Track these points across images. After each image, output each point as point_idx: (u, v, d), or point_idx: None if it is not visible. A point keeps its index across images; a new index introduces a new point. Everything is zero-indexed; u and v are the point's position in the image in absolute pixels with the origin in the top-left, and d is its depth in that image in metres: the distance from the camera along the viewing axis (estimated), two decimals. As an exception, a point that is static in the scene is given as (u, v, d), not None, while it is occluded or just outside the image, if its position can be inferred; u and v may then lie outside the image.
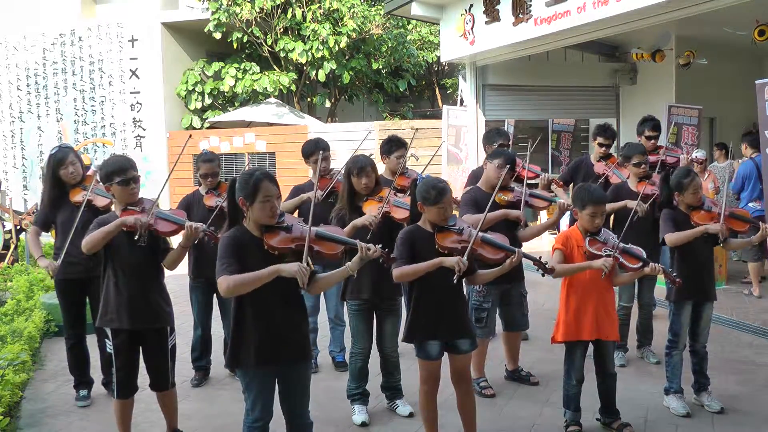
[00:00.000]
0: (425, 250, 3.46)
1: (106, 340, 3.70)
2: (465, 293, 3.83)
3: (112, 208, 4.27)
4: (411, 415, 4.26)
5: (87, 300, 4.70)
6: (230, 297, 3.00)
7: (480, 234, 3.44)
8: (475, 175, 5.59)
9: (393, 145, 5.04)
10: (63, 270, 4.54)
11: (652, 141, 5.89)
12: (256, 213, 3.00)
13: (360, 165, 4.24)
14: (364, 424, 4.19)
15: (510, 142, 5.56)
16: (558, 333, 3.98)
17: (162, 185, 4.15)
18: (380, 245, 3.19)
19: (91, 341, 4.74)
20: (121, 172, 3.68)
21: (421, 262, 3.43)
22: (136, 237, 3.56)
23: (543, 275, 3.60)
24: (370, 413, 4.30)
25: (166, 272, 3.83)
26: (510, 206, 4.50)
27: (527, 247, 4.26)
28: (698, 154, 7.90)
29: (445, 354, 3.61)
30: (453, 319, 3.50)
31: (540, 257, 3.53)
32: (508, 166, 4.46)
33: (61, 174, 4.56)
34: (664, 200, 4.39)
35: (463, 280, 3.50)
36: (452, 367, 3.63)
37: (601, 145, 5.95)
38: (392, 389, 4.40)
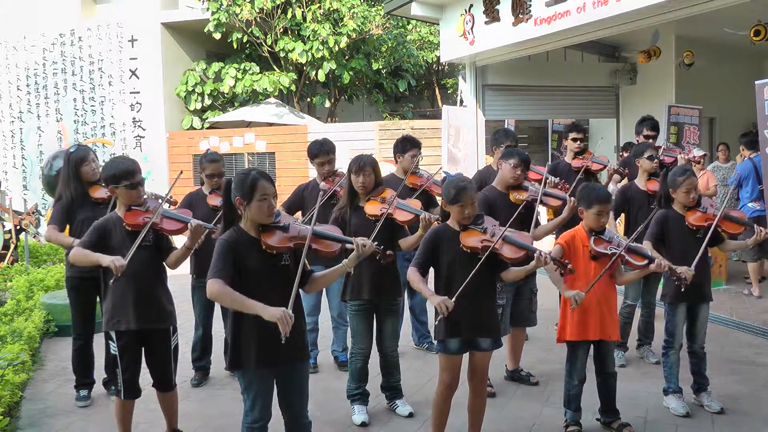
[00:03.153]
0: (450, 249, 3.48)
1: (110, 342, 3.70)
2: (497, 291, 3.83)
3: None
4: (411, 415, 4.27)
5: (98, 300, 4.67)
6: (211, 299, 3.02)
7: (504, 233, 3.45)
8: (480, 176, 5.59)
9: (408, 144, 5.12)
10: (77, 267, 4.48)
11: (651, 141, 5.90)
12: (253, 212, 3.01)
13: (359, 164, 4.26)
14: (363, 424, 4.19)
15: (517, 143, 5.57)
16: (565, 332, 3.98)
17: (166, 186, 4.15)
18: (376, 242, 3.21)
19: (98, 340, 4.71)
20: (128, 176, 3.70)
21: (444, 259, 3.49)
22: (137, 241, 3.57)
23: (562, 274, 3.61)
24: (370, 413, 4.30)
25: (168, 272, 3.84)
26: (525, 205, 4.51)
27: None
28: (696, 152, 7.91)
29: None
30: (477, 316, 3.49)
31: (563, 258, 3.54)
32: (522, 165, 4.50)
33: (83, 171, 4.59)
34: (662, 198, 4.40)
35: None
36: (471, 363, 3.63)
37: (575, 140, 5.97)
38: (392, 389, 4.40)
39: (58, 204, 4.62)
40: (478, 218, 3.53)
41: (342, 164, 5.21)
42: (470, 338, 3.54)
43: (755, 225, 4.30)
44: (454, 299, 3.34)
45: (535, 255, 3.40)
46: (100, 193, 4.56)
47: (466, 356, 3.61)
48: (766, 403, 4.47)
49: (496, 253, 3.43)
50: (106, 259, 3.50)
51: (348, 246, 3.23)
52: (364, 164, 4.26)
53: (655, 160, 5.20)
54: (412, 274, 3.49)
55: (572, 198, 4.41)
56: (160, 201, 3.81)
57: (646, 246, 4.19)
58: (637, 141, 6.02)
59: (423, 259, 3.53)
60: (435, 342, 3.66)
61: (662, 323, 4.43)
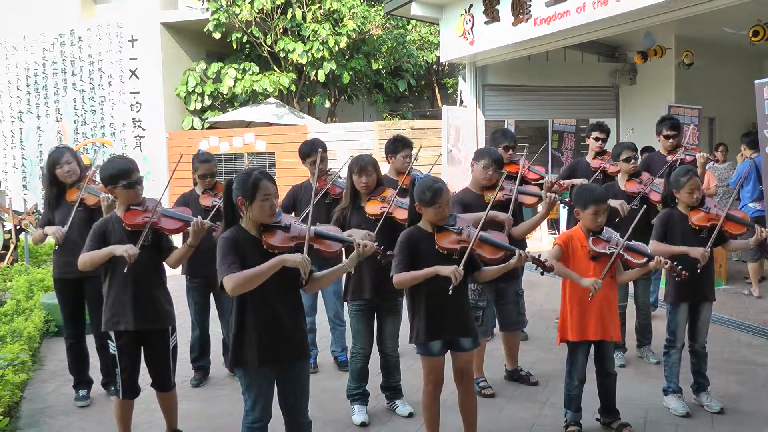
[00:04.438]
0: (425, 251, 3.46)
1: (109, 342, 3.70)
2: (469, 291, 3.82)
3: (102, 205, 4.29)
4: (411, 415, 4.26)
5: (84, 300, 4.69)
6: (235, 295, 2.98)
7: (479, 234, 3.44)
8: None
9: (399, 145, 5.07)
10: (60, 269, 4.59)
11: (671, 140, 5.88)
12: (255, 212, 3.01)
13: (361, 164, 4.26)
14: (363, 424, 4.19)
15: (516, 143, 5.57)
16: (565, 333, 3.98)
17: (164, 186, 4.14)
18: (377, 243, 3.20)
19: (90, 342, 4.74)
20: (126, 176, 3.68)
21: (421, 262, 3.44)
22: (142, 238, 3.57)
23: (542, 273, 3.61)
24: (370, 413, 4.30)
25: (167, 272, 3.84)
26: (500, 205, 4.49)
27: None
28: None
29: (447, 352, 3.61)
30: (455, 317, 3.50)
31: (539, 255, 3.53)
32: (494, 165, 4.49)
33: (57, 173, 4.60)
34: (667, 197, 4.40)
35: (467, 278, 3.50)
36: (455, 365, 3.63)
37: (597, 139, 5.97)
38: (392, 389, 4.40)
39: (44, 207, 4.70)
40: (450, 219, 3.52)
41: (341, 165, 5.21)
42: (452, 339, 3.55)
43: (756, 225, 4.30)
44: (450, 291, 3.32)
45: (516, 254, 3.40)
46: (74, 196, 4.57)
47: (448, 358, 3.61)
48: (766, 403, 4.46)
49: (474, 253, 3.43)
50: (119, 249, 3.53)
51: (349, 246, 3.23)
52: (366, 164, 4.26)
53: (633, 162, 5.21)
54: (400, 278, 3.43)
55: (549, 195, 4.40)
56: (156, 201, 3.79)
57: (655, 245, 4.21)
58: (657, 141, 6.02)
59: (403, 263, 3.45)
60: (415, 345, 3.61)
61: (660, 323, 4.43)
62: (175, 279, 4.61)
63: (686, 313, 4.30)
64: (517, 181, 4.65)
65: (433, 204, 3.43)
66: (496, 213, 4.47)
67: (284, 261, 2.93)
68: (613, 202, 4.85)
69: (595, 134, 5.99)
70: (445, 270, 3.30)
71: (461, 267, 3.31)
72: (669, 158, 5.76)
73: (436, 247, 3.45)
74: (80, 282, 4.53)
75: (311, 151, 5.06)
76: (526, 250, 4.14)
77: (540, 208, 4.64)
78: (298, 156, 5.20)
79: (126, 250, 3.50)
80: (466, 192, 4.67)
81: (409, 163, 5.01)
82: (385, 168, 5.37)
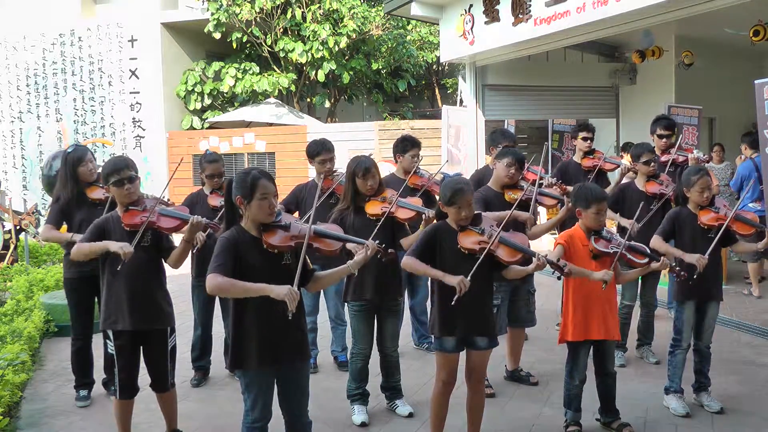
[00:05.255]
0: (448, 248, 3.49)
1: (107, 341, 3.70)
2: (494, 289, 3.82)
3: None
4: (410, 415, 4.27)
5: (96, 299, 4.65)
6: (211, 294, 2.99)
7: (500, 235, 3.45)
8: (478, 176, 5.59)
9: (408, 144, 5.14)
10: (76, 267, 4.51)
11: (665, 140, 5.88)
12: (254, 211, 3.01)
13: (365, 166, 4.24)
14: (363, 424, 4.19)
15: (515, 143, 5.58)
16: (567, 333, 3.97)
17: (165, 185, 4.14)
18: (378, 241, 3.21)
19: (97, 340, 4.72)
20: (115, 173, 3.68)
21: (443, 258, 3.47)
22: (137, 238, 3.57)
23: (559, 278, 3.61)
24: (370, 413, 4.30)
25: (167, 272, 3.83)
26: (520, 205, 4.51)
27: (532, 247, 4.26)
28: (697, 154, 7.91)
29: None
30: (473, 315, 3.50)
31: (558, 259, 3.54)
32: (517, 164, 4.51)
33: (80, 171, 4.56)
34: (679, 197, 4.40)
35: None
36: (467, 363, 3.63)
37: (585, 138, 5.99)
38: (392, 389, 4.40)
39: (55, 205, 4.60)
40: (476, 219, 3.53)
41: (341, 165, 5.21)
42: (467, 337, 3.55)
43: (767, 229, 4.29)
44: (456, 298, 3.31)
45: (535, 259, 3.42)
46: (98, 193, 4.55)
47: (463, 355, 3.62)
48: (766, 403, 4.46)
49: (493, 255, 3.44)
50: (114, 245, 3.51)
51: (348, 246, 3.23)
52: (370, 166, 4.26)
53: (652, 164, 5.22)
54: (411, 261, 3.46)
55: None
56: (156, 199, 3.79)
57: (656, 241, 4.22)
58: (651, 140, 6.03)
59: (420, 251, 3.50)
60: (432, 337, 3.64)
61: (660, 323, 4.42)
62: (175, 279, 4.61)
63: (693, 312, 4.29)
64: (536, 183, 4.67)
65: (453, 204, 3.46)
66: (518, 213, 4.49)
67: (269, 291, 2.88)
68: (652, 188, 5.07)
69: (583, 134, 6.02)
70: (452, 280, 3.32)
71: (468, 278, 3.31)
72: (662, 158, 5.75)
73: (458, 246, 3.46)
74: (94, 280, 4.46)
75: (321, 149, 5.09)
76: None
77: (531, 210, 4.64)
78: (306, 155, 5.21)
79: (121, 247, 3.48)
80: (488, 189, 4.70)
81: (417, 162, 5.10)
82: (390, 168, 5.39)
